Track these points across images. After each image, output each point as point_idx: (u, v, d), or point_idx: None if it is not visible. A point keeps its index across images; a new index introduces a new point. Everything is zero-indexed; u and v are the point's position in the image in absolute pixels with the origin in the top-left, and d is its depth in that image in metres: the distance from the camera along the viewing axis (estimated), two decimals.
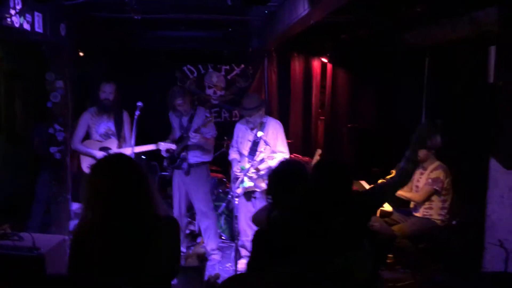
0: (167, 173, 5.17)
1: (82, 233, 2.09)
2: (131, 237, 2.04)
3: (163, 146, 4.87)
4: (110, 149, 4.89)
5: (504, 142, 3.08)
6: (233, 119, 7.19)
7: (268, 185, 2.97)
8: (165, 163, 5.14)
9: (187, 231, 5.53)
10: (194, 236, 5.65)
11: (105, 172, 2.13)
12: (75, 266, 2.08)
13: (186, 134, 4.91)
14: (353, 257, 2.50)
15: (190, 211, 5.47)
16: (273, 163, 4.67)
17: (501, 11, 3.30)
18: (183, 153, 4.98)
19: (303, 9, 3.64)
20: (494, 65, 3.67)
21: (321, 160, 3.05)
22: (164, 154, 5.01)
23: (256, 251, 2.73)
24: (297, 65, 7.12)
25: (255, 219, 3.15)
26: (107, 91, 4.89)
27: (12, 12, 3.52)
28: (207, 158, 5.09)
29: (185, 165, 4.96)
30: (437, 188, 4.72)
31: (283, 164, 3.04)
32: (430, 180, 4.78)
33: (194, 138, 4.75)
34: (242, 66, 7.26)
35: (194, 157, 4.99)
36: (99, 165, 2.19)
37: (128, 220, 2.05)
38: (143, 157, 5.90)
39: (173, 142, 5.06)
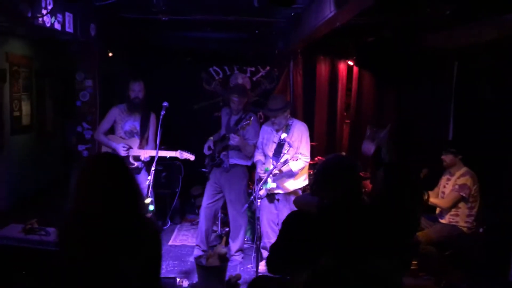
0: (205, 170, 5.19)
1: (66, 224, 2.14)
2: (112, 233, 2.08)
3: (182, 155, 4.92)
4: (131, 147, 4.94)
5: None
6: (260, 120, 7.20)
7: (317, 178, 2.92)
8: (206, 160, 5.19)
9: (212, 233, 5.54)
10: (219, 236, 5.68)
11: (92, 168, 2.18)
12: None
13: (228, 135, 4.95)
14: (387, 265, 2.45)
15: (219, 210, 5.49)
16: (295, 166, 4.66)
17: None
18: (224, 153, 5.01)
19: (329, 11, 3.62)
20: None
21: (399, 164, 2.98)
22: (206, 152, 5.07)
23: (289, 233, 2.67)
24: (323, 68, 7.09)
25: (300, 202, 3.10)
26: (137, 90, 4.95)
27: (44, 12, 3.61)
28: (244, 162, 5.10)
29: (226, 164, 5.01)
30: (464, 195, 4.62)
31: (335, 157, 2.94)
32: (457, 186, 4.69)
33: (233, 140, 4.79)
34: (268, 68, 7.26)
35: (231, 158, 5.03)
36: (88, 161, 2.29)
37: (111, 216, 2.09)
38: (167, 156, 5.98)
39: (216, 140, 5.11)
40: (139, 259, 2.12)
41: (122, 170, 2.21)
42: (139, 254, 2.12)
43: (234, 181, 5.08)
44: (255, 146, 5.07)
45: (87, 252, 2.05)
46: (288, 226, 2.66)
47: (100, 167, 2.19)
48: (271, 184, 4.68)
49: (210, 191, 5.17)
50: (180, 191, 6.44)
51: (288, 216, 2.70)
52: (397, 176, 2.69)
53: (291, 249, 2.60)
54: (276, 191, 4.86)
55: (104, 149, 5.07)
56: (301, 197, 3.11)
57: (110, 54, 6.30)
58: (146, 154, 4.93)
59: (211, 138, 5.15)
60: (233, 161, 5.04)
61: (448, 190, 4.80)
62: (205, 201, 5.19)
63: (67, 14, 4.11)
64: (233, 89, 5.08)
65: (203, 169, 5.28)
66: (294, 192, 4.89)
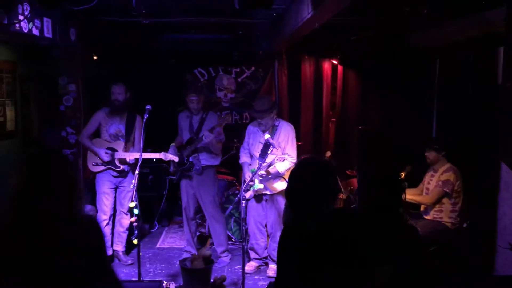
0: (174, 177, 5.17)
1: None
2: (41, 233, 2.05)
3: (167, 157, 4.90)
4: (116, 150, 4.94)
5: (511, 144, 3.03)
6: (244, 121, 7.21)
7: (291, 181, 2.89)
8: (171, 167, 5.16)
9: (197, 234, 5.55)
10: (205, 238, 5.67)
11: (30, 167, 2.19)
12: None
13: (196, 137, 4.93)
14: (385, 271, 2.44)
15: (200, 212, 5.48)
16: (282, 166, 4.67)
17: (509, 11, 3.24)
18: (194, 155, 5.00)
19: (307, 12, 3.63)
20: (502, 67, 3.62)
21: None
22: (175, 158, 5.03)
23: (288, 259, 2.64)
24: (307, 67, 7.12)
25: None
26: (116, 92, 4.95)
27: (21, 17, 3.58)
28: (215, 162, 5.11)
29: (198, 166, 4.98)
30: (447, 191, 4.67)
31: (307, 162, 2.93)
32: (440, 182, 4.73)
33: (207, 138, 4.76)
34: (253, 68, 7.27)
35: (202, 160, 5.01)
36: (29, 159, 2.25)
37: (42, 217, 2.07)
38: (154, 159, 5.95)
39: (181, 145, 5.08)
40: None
41: (59, 168, 2.18)
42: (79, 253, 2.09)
43: (207, 184, 5.07)
44: (221, 144, 5.07)
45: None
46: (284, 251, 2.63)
47: (35, 166, 2.17)
48: (258, 185, 4.68)
49: (186, 197, 5.17)
50: (167, 194, 6.45)
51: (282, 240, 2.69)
52: (375, 175, 2.69)
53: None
54: (263, 192, 4.87)
55: (89, 152, 5.07)
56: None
57: (95, 58, 6.27)
58: (131, 156, 4.92)
59: (173, 144, 5.09)
60: (204, 162, 5.02)
61: (432, 186, 4.84)
62: (184, 207, 5.20)
63: (45, 19, 4.08)
64: (189, 90, 5.04)
65: (171, 177, 5.24)
66: (281, 192, 4.90)
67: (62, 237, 2.09)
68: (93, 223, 2.26)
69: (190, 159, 4.99)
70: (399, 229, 2.56)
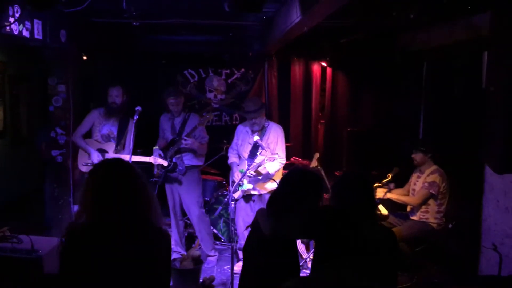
0: (158, 179, 5.15)
1: (75, 235, 2.12)
2: (124, 242, 2.07)
3: (156, 161, 4.92)
4: (106, 152, 4.96)
5: (494, 147, 3.09)
6: (234, 122, 7.24)
7: (279, 189, 2.94)
8: (155, 170, 5.17)
9: (186, 234, 5.58)
10: (193, 238, 5.70)
11: (105, 175, 2.17)
12: (66, 268, 2.12)
13: (178, 138, 4.97)
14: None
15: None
16: (272, 167, 4.72)
17: (493, 16, 3.31)
18: (177, 156, 5.02)
19: (296, 16, 3.68)
20: (486, 71, 3.69)
21: (348, 174, 3.00)
22: (155, 161, 5.03)
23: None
24: (297, 69, 7.18)
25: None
26: (114, 95, 4.99)
27: (11, 19, 3.59)
28: (199, 162, 5.14)
29: (181, 166, 5.01)
30: (433, 192, 4.74)
31: (298, 171, 2.98)
32: (426, 184, 4.80)
33: (185, 142, 4.83)
34: (243, 70, 7.31)
35: (186, 160, 5.05)
36: (99, 167, 2.24)
37: (124, 225, 2.08)
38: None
39: (164, 146, 5.11)
40: (150, 268, 2.10)
41: (133, 176, 2.18)
42: (150, 263, 2.10)
43: (190, 185, 5.10)
44: (207, 144, 5.11)
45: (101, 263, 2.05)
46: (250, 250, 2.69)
47: (111, 174, 2.17)
48: (247, 186, 4.73)
49: (171, 198, 5.21)
50: (157, 195, 6.45)
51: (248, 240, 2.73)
52: (351, 187, 2.74)
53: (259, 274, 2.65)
54: (252, 192, 4.91)
55: (80, 152, 5.07)
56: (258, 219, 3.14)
57: (85, 58, 6.27)
58: (121, 158, 4.93)
59: (156, 147, 5.10)
60: (188, 162, 5.06)
61: (418, 187, 4.91)
62: (170, 209, 5.23)
63: (35, 21, 4.08)
64: (166, 94, 5.06)
65: (154, 179, 5.27)
66: (271, 191, 4.94)
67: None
68: (168, 235, 2.28)
69: (174, 160, 5.02)
70: (373, 229, 2.64)
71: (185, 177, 5.07)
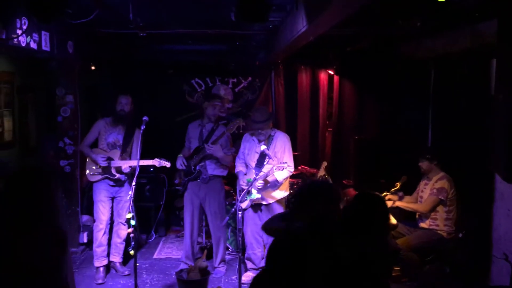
0: (180, 188, 5.19)
1: None
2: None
3: (160, 163, 4.95)
4: (112, 159, 4.97)
5: (502, 155, 3.06)
6: (241, 131, 7.24)
7: (295, 197, 2.95)
8: (177, 179, 5.18)
9: (198, 246, 5.55)
10: (202, 248, 5.68)
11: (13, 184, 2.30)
12: None
13: (203, 145, 4.97)
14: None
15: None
16: (280, 175, 4.70)
17: (500, 24, 3.29)
18: (201, 164, 5.03)
19: (302, 25, 3.68)
20: (494, 78, 3.65)
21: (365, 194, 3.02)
22: (179, 166, 5.06)
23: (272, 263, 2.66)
24: (304, 77, 7.17)
25: (267, 228, 3.14)
26: (123, 103, 5.03)
27: (19, 32, 3.62)
28: (222, 172, 5.14)
29: (205, 175, 5.02)
30: (442, 198, 4.71)
31: (315, 183, 3.03)
32: (435, 190, 4.78)
33: (209, 149, 4.83)
34: (249, 78, 7.32)
35: (209, 169, 5.05)
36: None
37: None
38: (151, 169, 5.98)
39: (188, 156, 5.12)
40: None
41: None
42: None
43: (213, 193, 5.10)
44: (232, 156, 5.10)
45: None
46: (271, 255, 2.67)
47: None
48: (255, 195, 4.71)
49: (190, 207, 5.17)
50: (164, 204, 6.46)
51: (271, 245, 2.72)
52: (366, 206, 2.76)
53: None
54: (260, 202, 4.88)
55: (88, 161, 5.11)
56: (270, 222, 3.15)
57: (93, 68, 6.32)
58: (126, 164, 4.97)
59: (181, 155, 5.14)
60: (211, 172, 5.06)
61: (426, 194, 4.88)
62: (187, 218, 5.20)
63: (43, 33, 4.12)
64: (212, 95, 5.12)
65: (177, 187, 5.27)
66: (278, 201, 4.93)
67: None
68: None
69: (198, 168, 5.02)
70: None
71: (207, 186, 5.07)
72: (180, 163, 5.06)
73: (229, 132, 4.96)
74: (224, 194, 5.25)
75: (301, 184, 5.97)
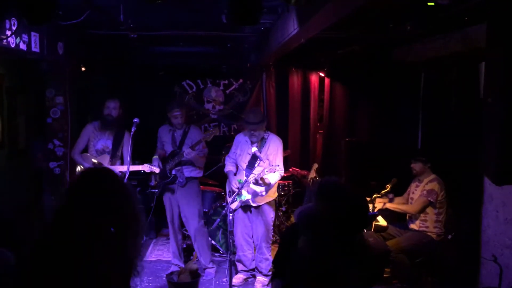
0: (155, 190, 5.15)
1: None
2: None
3: (151, 168, 4.92)
4: (101, 164, 4.94)
5: (492, 158, 3.09)
6: (232, 133, 7.24)
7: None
8: (152, 181, 5.15)
9: (184, 246, 5.54)
10: (191, 250, 5.66)
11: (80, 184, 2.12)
12: None
13: (178, 150, 4.95)
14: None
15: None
16: (273, 178, 4.70)
17: (489, 28, 3.33)
18: (177, 168, 5.01)
19: (293, 28, 3.69)
20: (483, 82, 3.69)
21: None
22: (157, 170, 5.02)
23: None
24: (295, 79, 7.20)
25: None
26: (111, 107, 4.99)
27: (8, 33, 3.59)
28: (198, 174, 5.13)
29: (181, 179, 4.99)
30: (431, 200, 4.75)
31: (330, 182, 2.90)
32: (425, 192, 4.81)
33: (188, 155, 4.81)
34: (241, 80, 7.33)
35: (185, 172, 5.03)
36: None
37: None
38: (142, 171, 5.94)
39: (163, 157, 5.09)
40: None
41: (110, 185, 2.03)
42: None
43: (190, 196, 5.08)
44: (205, 156, 5.10)
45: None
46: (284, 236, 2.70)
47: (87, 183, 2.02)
48: (246, 196, 4.71)
49: (169, 207, 5.17)
50: (155, 206, 6.43)
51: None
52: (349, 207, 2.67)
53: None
54: (250, 203, 4.88)
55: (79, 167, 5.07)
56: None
57: (83, 69, 6.28)
58: (116, 169, 4.93)
59: (156, 156, 5.11)
60: (188, 174, 5.04)
61: (417, 195, 4.92)
62: (168, 217, 5.20)
63: (32, 34, 4.08)
64: (173, 105, 5.06)
65: (153, 190, 5.24)
66: (268, 202, 4.92)
67: None
68: None
69: (173, 172, 5.00)
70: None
71: (184, 189, 5.05)
72: (157, 165, 5.02)
73: (205, 140, 4.89)
74: (200, 197, 5.23)
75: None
